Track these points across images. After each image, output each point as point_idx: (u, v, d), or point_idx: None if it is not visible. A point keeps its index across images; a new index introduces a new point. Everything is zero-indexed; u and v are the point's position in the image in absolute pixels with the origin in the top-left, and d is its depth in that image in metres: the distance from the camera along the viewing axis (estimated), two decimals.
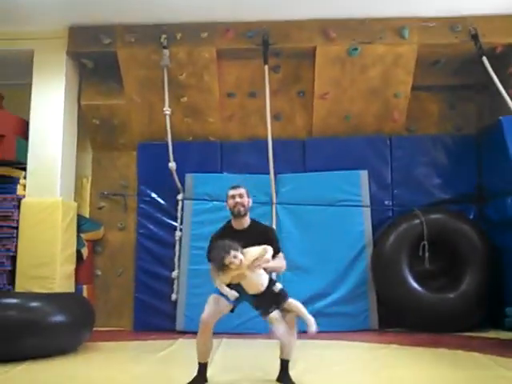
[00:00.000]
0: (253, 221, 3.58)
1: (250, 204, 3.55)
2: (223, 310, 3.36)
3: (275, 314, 3.12)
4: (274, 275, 5.76)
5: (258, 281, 3.16)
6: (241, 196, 3.47)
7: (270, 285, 3.17)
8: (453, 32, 6.00)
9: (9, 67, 6.40)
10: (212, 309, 3.32)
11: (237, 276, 3.14)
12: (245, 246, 3.19)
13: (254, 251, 3.18)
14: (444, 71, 6.52)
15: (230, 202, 3.48)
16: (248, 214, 3.54)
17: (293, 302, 3.19)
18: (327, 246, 5.92)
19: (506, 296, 5.40)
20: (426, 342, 4.91)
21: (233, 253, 3.08)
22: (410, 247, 5.74)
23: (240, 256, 3.09)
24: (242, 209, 3.45)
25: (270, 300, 3.15)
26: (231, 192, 3.52)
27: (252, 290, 3.19)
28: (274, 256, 3.29)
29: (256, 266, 3.13)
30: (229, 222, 3.58)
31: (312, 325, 3.07)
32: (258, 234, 3.43)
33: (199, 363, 3.40)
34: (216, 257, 3.14)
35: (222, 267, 3.11)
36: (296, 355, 4.17)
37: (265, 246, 3.21)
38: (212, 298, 3.37)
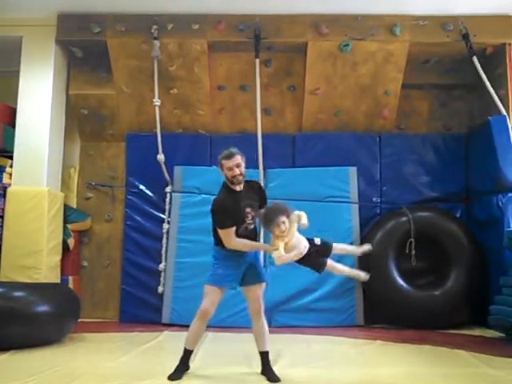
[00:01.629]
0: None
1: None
2: (219, 298, 3.37)
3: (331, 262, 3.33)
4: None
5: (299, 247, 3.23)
6: (238, 166, 3.29)
7: (310, 244, 3.28)
8: (444, 31, 6.03)
9: None
10: (211, 299, 3.31)
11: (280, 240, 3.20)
12: (247, 205, 3.31)
13: (301, 239, 3.28)
14: (435, 70, 6.55)
15: (228, 173, 3.30)
16: None
17: (337, 246, 3.38)
18: None
19: (491, 294, 5.45)
20: (411, 338, 4.94)
21: (282, 218, 3.17)
22: (398, 244, 5.77)
23: (287, 224, 3.18)
24: (240, 178, 3.33)
25: (315, 256, 3.28)
26: (228, 163, 3.29)
27: (296, 254, 3.23)
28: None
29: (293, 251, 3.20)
30: (224, 185, 3.41)
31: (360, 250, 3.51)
32: (255, 192, 3.46)
33: (186, 349, 3.39)
34: (271, 215, 3.19)
35: (271, 226, 3.18)
36: (281, 349, 4.21)
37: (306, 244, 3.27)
38: (208, 288, 3.33)
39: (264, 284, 3.49)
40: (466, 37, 5.93)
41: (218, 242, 3.35)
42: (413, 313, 5.54)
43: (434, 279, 5.81)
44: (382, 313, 5.82)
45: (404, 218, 5.82)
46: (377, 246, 5.75)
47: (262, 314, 3.42)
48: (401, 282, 5.65)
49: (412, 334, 5.19)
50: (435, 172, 6.35)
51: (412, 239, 5.73)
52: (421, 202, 6.23)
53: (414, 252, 5.74)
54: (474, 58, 5.83)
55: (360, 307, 5.84)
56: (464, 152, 6.38)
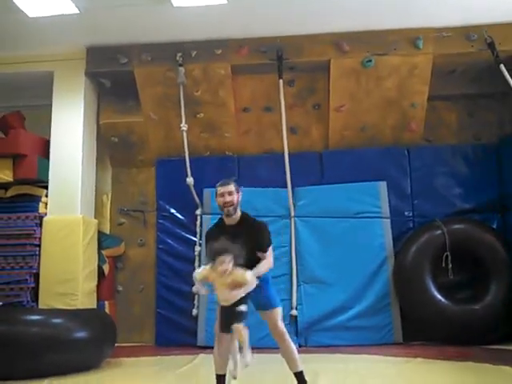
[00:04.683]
0: (244, 214, 3.43)
1: (240, 199, 3.39)
2: None
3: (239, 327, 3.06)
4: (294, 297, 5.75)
5: (228, 296, 3.09)
6: (230, 194, 3.31)
7: (236, 303, 3.09)
8: (468, 41, 5.97)
9: (30, 89, 6.56)
10: (219, 319, 3.27)
11: (216, 279, 3.11)
12: (236, 241, 3.10)
13: (239, 274, 3.08)
14: (461, 80, 6.47)
15: (219, 199, 3.33)
16: (238, 209, 3.38)
17: (241, 329, 3.05)
18: (347, 258, 5.86)
19: None
20: (452, 355, 4.79)
21: (223, 258, 3.02)
22: (433, 258, 5.64)
23: (227, 266, 3.03)
24: (231, 209, 3.31)
25: (231, 315, 3.10)
26: (220, 189, 3.33)
27: (221, 299, 3.14)
28: (261, 251, 3.27)
29: (232, 287, 3.05)
30: (221, 217, 3.46)
31: (247, 358, 3.03)
32: (250, 228, 3.34)
33: (217, 375, 3.36)
34: (211, 252, 3.11)
35: (212, 262, 3.10)
36: (318, 369, 4.14)
37: (251, 277, 3.07)
38: (218, 309, 3.32)
39: (276, 309, 3.35)
40: (491, 45, 5.84)
41: None
42: (453, 328, 5.38)
43: (473, 293, 5.65)
44: (421, 329, 5.67)
45: (438, 231, 5.70)
46: (411, 260, 5.67)
47: (285, 337, 3.32)
48: (438, 296, 5.51)
49: (453, 350, 5.03)
50: (467, 183, 6.22)
51: (448, 252, 5.60)
52: (454, 214, 6.10)
53: (450, 265, 5.61)
54: (502, 66, 5.73)
55: (398, 324, 5.72)
56: (496, 161, 6.25)
